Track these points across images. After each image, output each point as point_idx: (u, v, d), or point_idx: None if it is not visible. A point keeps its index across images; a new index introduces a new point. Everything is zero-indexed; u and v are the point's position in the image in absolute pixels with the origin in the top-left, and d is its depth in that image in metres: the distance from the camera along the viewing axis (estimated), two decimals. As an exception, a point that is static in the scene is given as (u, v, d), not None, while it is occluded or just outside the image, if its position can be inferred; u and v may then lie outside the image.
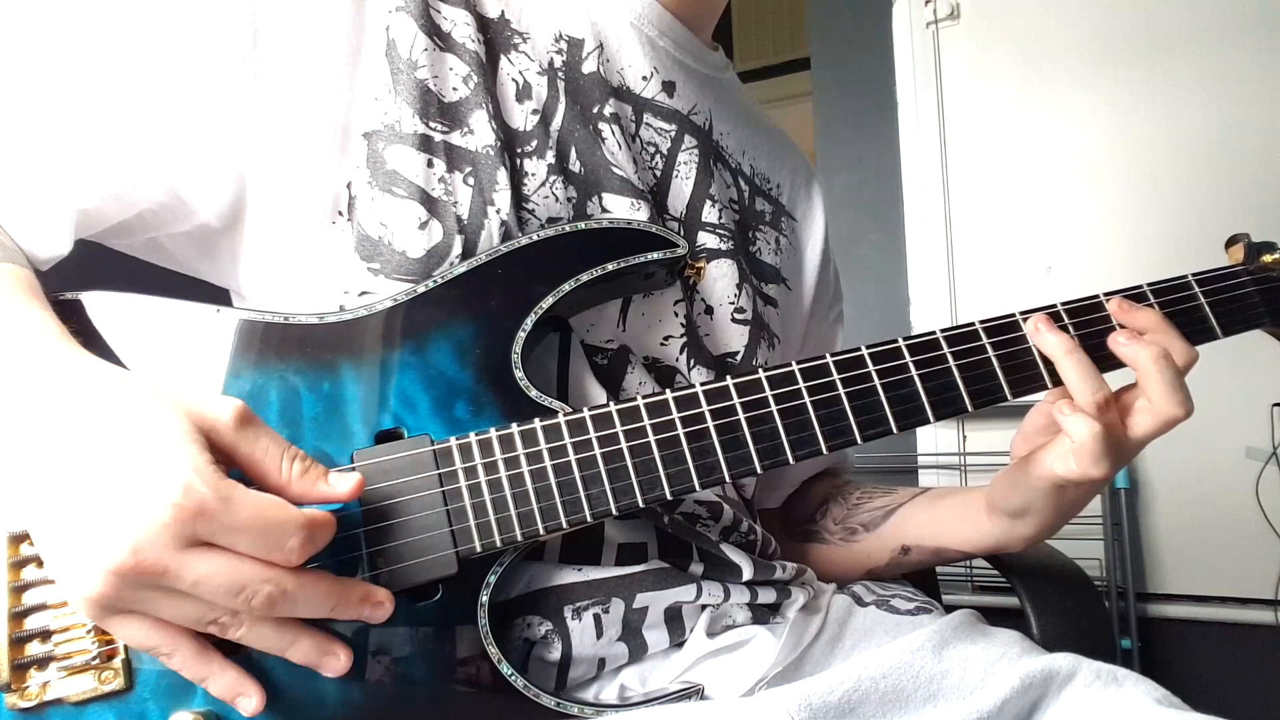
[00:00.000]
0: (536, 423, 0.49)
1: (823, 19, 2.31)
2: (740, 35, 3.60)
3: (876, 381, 0.53)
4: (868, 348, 0.54)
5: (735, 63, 0.94)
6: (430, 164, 0.55)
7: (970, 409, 0.54)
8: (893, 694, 0.48)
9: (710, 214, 0.67)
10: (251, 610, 0.38)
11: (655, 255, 0.57)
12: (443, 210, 0.55)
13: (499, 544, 0.48)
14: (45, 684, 0.43)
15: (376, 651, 0.46)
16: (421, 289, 0.53)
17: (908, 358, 0.54)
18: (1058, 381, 0.54)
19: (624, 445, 0.50)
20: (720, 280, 0.67)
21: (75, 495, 0.38)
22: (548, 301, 0.53)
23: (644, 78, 0.66)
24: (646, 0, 0.66)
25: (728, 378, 0.52)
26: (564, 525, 0.48)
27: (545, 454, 0.49)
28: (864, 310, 2.09)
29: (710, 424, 0.51)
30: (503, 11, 0.62)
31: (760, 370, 0.52)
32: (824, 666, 0.58)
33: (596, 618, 0.53)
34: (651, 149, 0.66)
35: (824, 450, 0.51)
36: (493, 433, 0.49)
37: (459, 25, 0.59)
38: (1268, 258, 0.61)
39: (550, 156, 0.59)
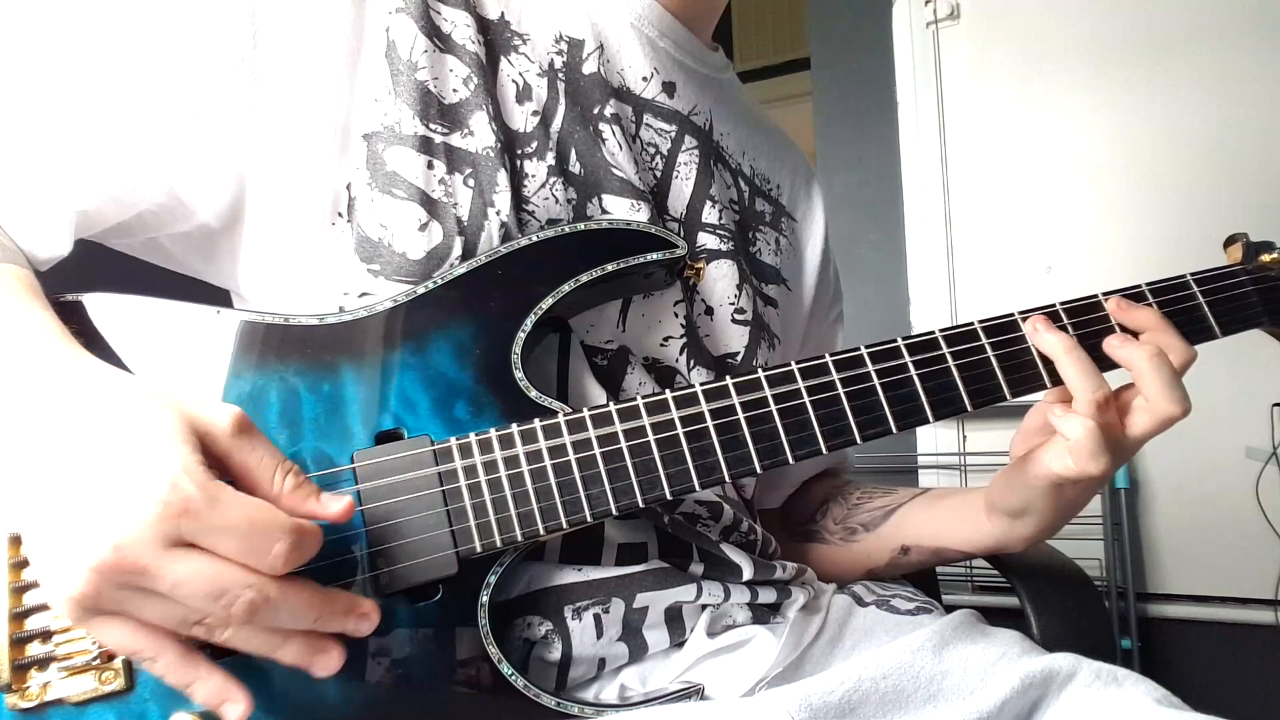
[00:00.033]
0: (536, 423, 0.49)
1: (823, 19, 2.31)
2: (740, 35, 3.60)
3: (876, 381, 0.53)
4: (867, 348, 0.54)
5: (735, 63, 0.94)
6: (430, 165, 0.55)
7: (969, 409, 0.54)
8: (893, 694, 0.48)
9: (710, 214, 0.67)
10: (232, 617, 0.37)
11: (655, 256, 0.57)
12: (443, 212, 0.55)
13: (499, 544, 0.48)
14: (46, 684, 0.43)
15: (377, 652, 0.46)
16: (421, 290, 0.53)
17: (907, 358, 0.54)
18: (1057, 381, 0.55)
19: (624, 445, 0.50)
20: (720, 281, 0.67)
21: (64, 494, 0.37)
22: (547, 302, 0.54)
23: (644, 78, 0.66)
24: (647, 1, 0.66)
25: (727, 377, 0.52)
26: (564, 525, 0.48)
27: (545, 454, 0.49)
28: (864, 310, 2.09)
29: (710, 424, 0.51)
30: (503, 13, 0.62)
31: (760, 370, 0.52)
32: (824, 666, 0.58)
33: (597, 618, 0.53)
34: (652, 150, 0.66)
35: (824, 450, 0.52)
36: (493, 433, 0.49)
37: (459, 27, 0.59)
38: (1266, 257, 0.61)
39: (550, 158, 0.59)
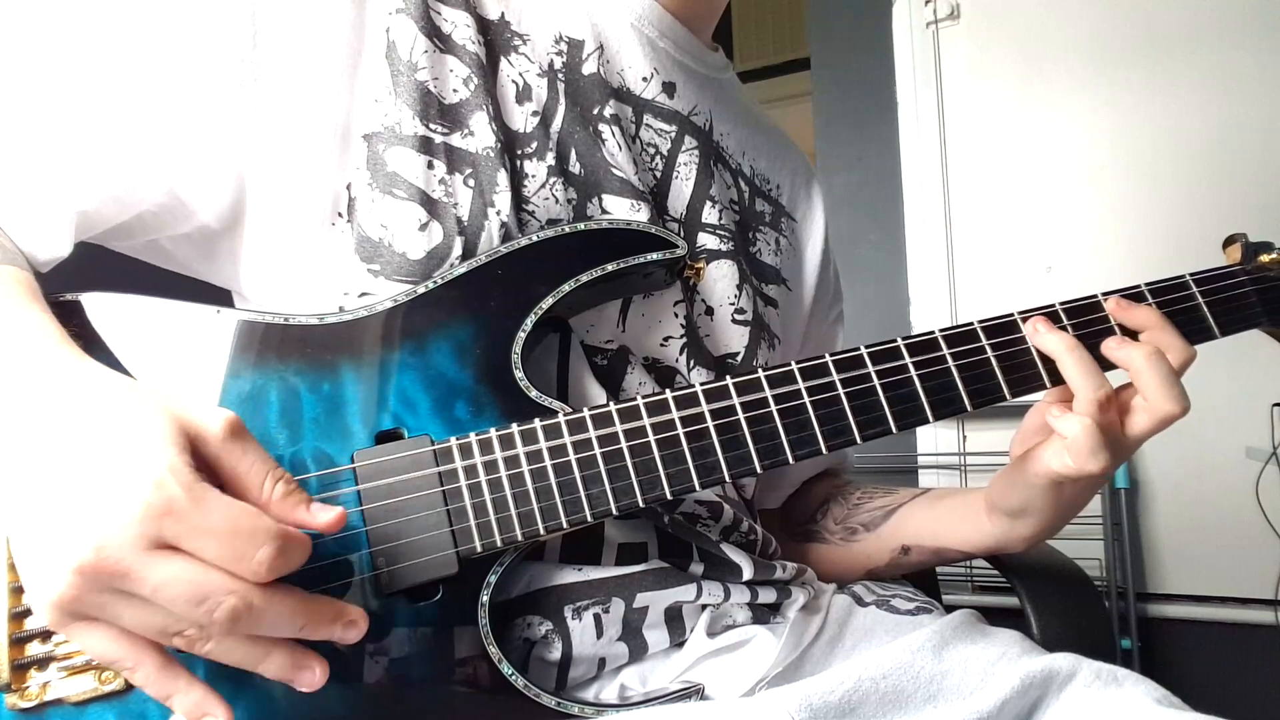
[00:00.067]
0: (536, 422, 0.49)
1: (823, 19, 2.31)
2: (740, 35, 3.60)
3: (876, 381, 0.53)
4: (867, 348, 0.54)
5: (735, 63, 0.94)
6: (430, 165, 0.55)
7: (969, 409, 0.54)
8: (893, 694, 0.48)
9: (710, 215, 0.67)
10: (213, 624, 0.36)
11: (655, 256, 0.57)
12: (443, 212, 0.55)
13: (499, 544, 0.48)
14: (45, 684, 0.43)
15: (377, 652, 0.46)
16: (421, 290, 0.53)
17: (907, 358, 0.54)
18: (1056, 381, 0.55)
19: (624, 445, 0.50)
20: (720, 281, 0.67)
21: (49, 496, 0.37)
22: (547, 302, 0.54)
23: (644, 79, 0.66)
24: (646, 1, 0.66)
25: (727, 377, 0.52)
26: (564, 525, 0.48)
27: (545, 454, 0.49)
28: (864, 310, 2.09)
29: (710, 424, 0.51)
30: (503, 13, 0.62)
31: (760, 370, 0.52)
32: (824, 666, 0.58)
33: (597, 617, 0.53)
34: (652, 150, 0.66)
35: (824, 450, 0.52)
36: (493, 432, 0.49)
37: (459, 27, 0.59)
38: (1265, 257, 0.61)
39: (550, 158, 0.59)
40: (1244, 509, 1.78)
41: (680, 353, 0.64)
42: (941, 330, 0.55)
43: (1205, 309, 0.58)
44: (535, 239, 0.55)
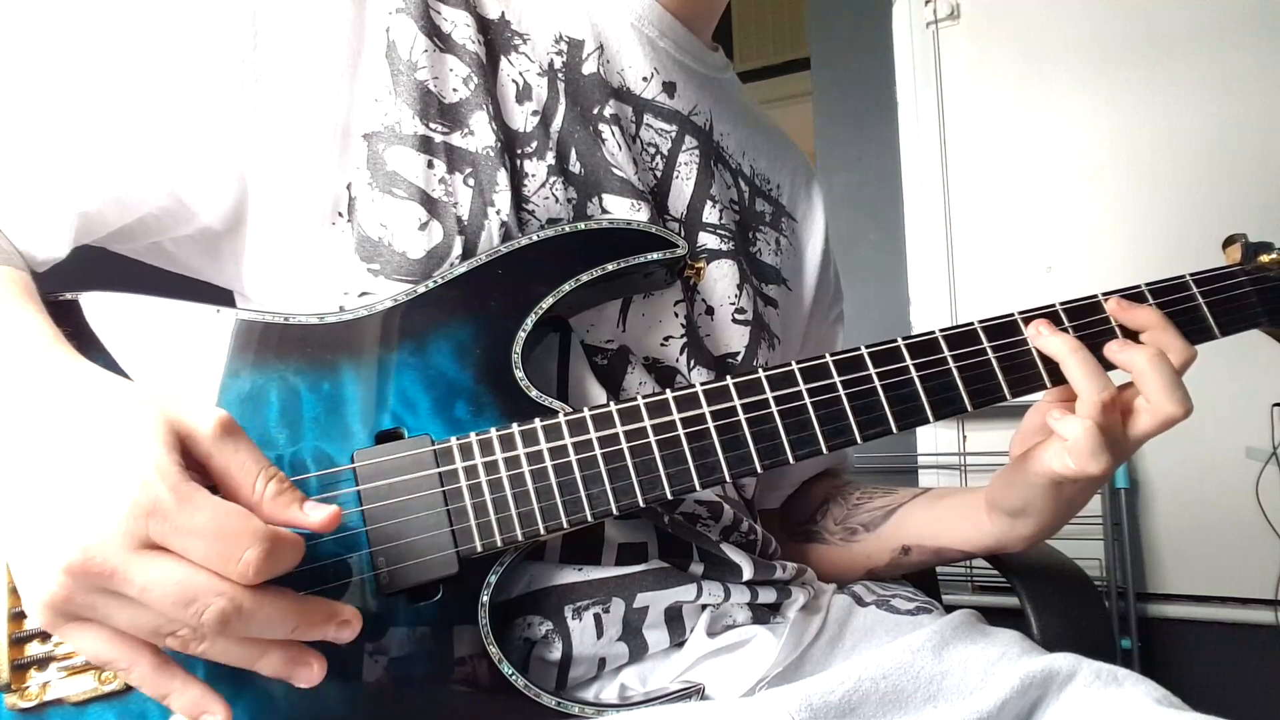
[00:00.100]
0: (537, 422, 0.49)
1: (823, 19, 2.31)
2: (740, 35, 3.60)
3: (876, 382, 0.53)
4: (867, 348, 0.54)
5: (735, 63, 0.94)
6: (430, 165, 0.55)
7: (970, 409, 0.54)
8: (893, 694, 0.48)
9: (710, 214, 0.67)
10: (202, 626, 0.36)
11: (655, 255, 0.57)
12: (443, 211, 0.55)
13: (499, 544, 0.48)
14: (45, 684, 0.43)
15: (377, 652, 0.46)
16: (421, 289, 0.53)
17: (907, 358, 0.54)
18: (1057, 381, 0.55)
19: (624, 445, 0.50)
20: (720, 281, 0.67)
21: (39, 497, 0.37)
22: (548, 302, 0.54)
23: (644, 78, 0.66)
24: (647, 1, 0.66)
25: (728, 377, 0.52)
26: (565, 525, 0.48)
27: (546, 454, 0.49)
28: (864, 310, 2.09)
29: (710, 424, 0.51)
30: (503, 13, 0.62)
31: (760, 370, 0.52)
32: (824, 666, 0.58)
33: (597, 617, 0.53)
34: (652, 150, 0.66)
35: (824, 450, 0.52)
36: (493, 432, 0.49)
37: (459, 26, 0.59)
38: (1265, 258, 0.61)
39: (550, 157, 0.59)
40: (1244, 509, 1.78)
41: (680, 352, 0.64)
42: (942, 330, 0.55)
43: (1205, 309, 0.58)
44: (535, 239, 0.55)
